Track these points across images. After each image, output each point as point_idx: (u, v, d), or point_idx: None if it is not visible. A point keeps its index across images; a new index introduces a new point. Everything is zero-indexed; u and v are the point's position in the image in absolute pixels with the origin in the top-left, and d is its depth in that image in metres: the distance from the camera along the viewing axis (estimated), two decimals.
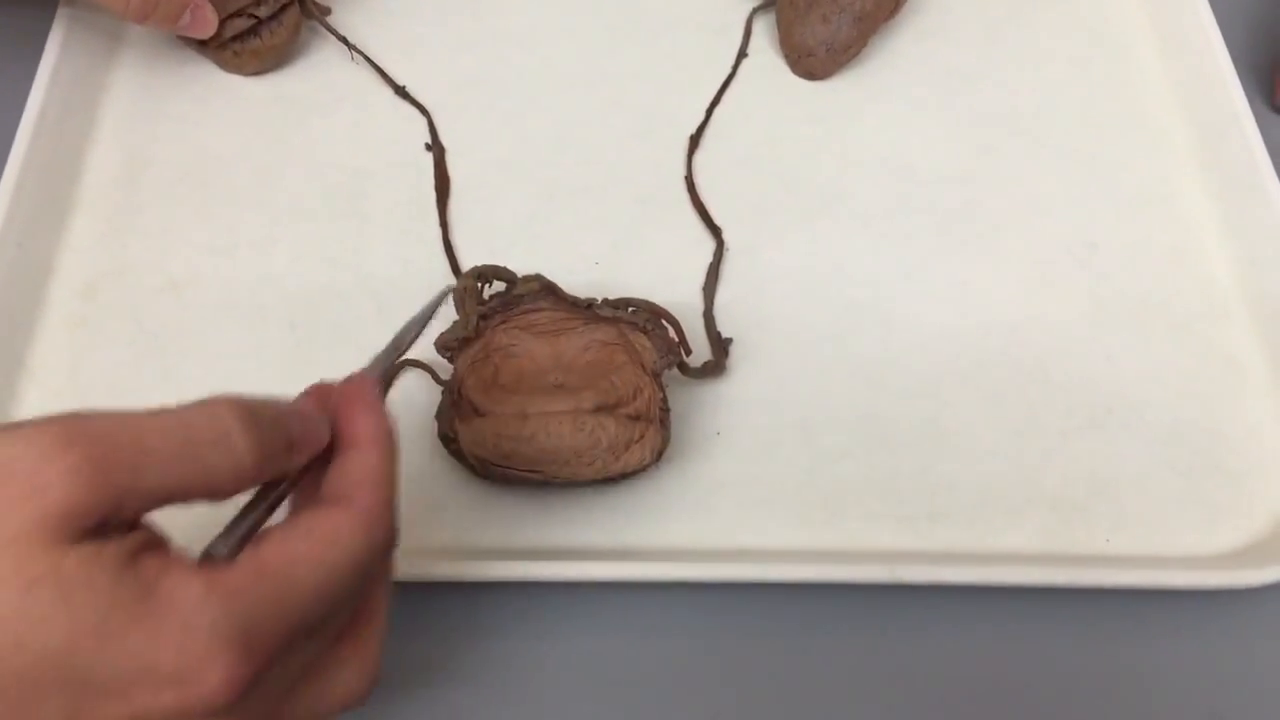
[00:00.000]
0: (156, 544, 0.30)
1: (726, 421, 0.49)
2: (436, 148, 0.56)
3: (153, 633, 0.27)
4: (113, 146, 0.55)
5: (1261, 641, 0.46)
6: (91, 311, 0.51)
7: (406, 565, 0.43)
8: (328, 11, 0.59)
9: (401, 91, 0.58)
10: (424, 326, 0.41)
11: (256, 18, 0.56)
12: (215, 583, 0.28)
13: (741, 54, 0.60)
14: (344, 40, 0.59)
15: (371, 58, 0.59)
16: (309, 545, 0.31)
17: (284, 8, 0.57)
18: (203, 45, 0.57)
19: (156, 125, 0.56)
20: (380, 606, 0.35)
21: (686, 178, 0.56)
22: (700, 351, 0.50)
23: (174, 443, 0.29)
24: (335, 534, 0.31)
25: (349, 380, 0.37)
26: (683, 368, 0.48)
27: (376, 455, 0.34)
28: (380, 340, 0.49)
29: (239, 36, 0.56)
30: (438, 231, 0.53)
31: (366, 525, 0.32)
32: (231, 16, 0.56)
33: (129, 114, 0.57)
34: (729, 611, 0.45)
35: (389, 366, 0.41)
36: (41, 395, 0.49)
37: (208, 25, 0.55)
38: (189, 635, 0.27)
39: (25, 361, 0.49)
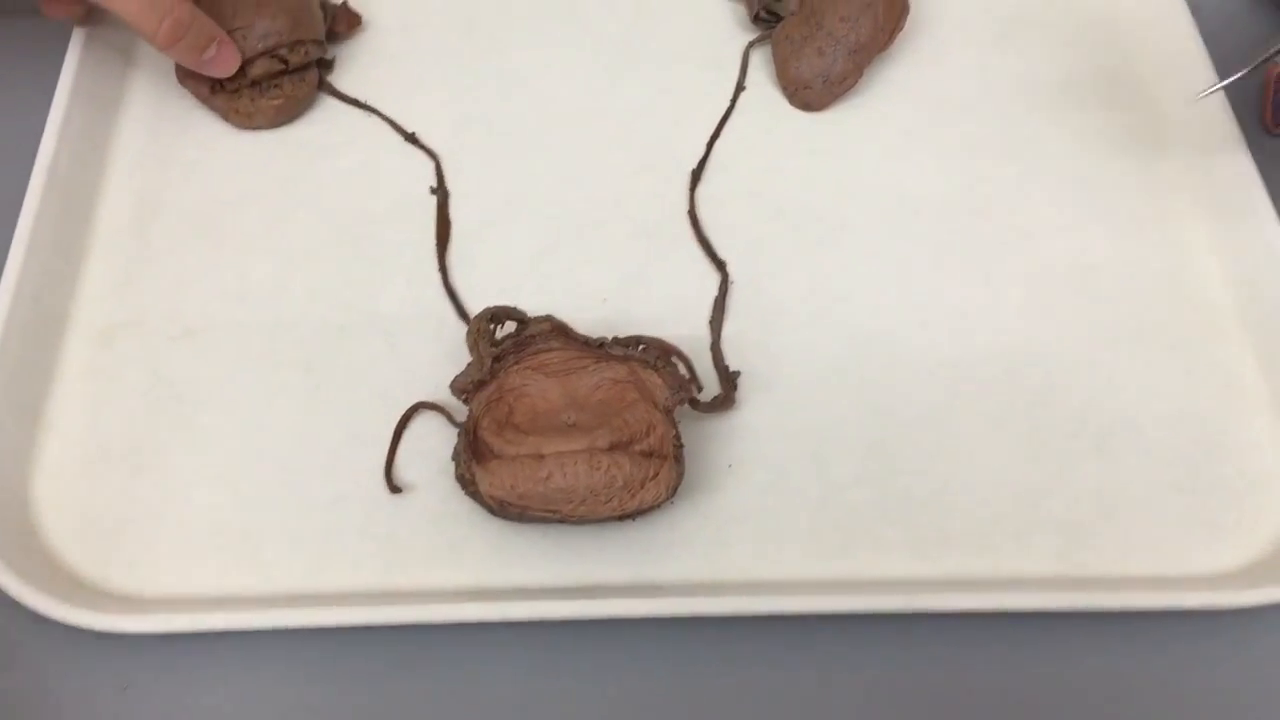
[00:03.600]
0: None
1: (738, 454, 0.50)
2: (441, 192, 0.57)
3: None
4: (123, 195, 0.56)
5: (1268, 659, 0.47)
6: (108, 361, 0.51)
7: (430, 610, 0.44)
8: (330, 69, 0.60)
9: (411, 138, 0.58)
10: None
11: (285, 62, 0.57)
12: None
13: (739, 87, 0.61)
14: (355, 102, 0.59)
15: (378, 104, 0.59)
16: None
17: (307, 66, 0.58)
18: (214, 94, 0.58)
19: (166, 173, 0.57)
20: None
21: (690, 212, 0.57)
22: (709, 385, 0.51)
23: None
24: None
25: None
26: (694, 403, 0.49)
27: None
28: (393, 382, 0.50)
29: (256, 83, 0.57)
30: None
31: None
32: (260, 55, 0.56)
33: (138, 162, 0.57)
34: (749, 642, 0.46)
35: None
36: (61, 445, 0.49)
37: (230, 64, 0.56)
38: None
39: (43, 412, 0.50)
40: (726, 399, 0.50)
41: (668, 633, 0.46)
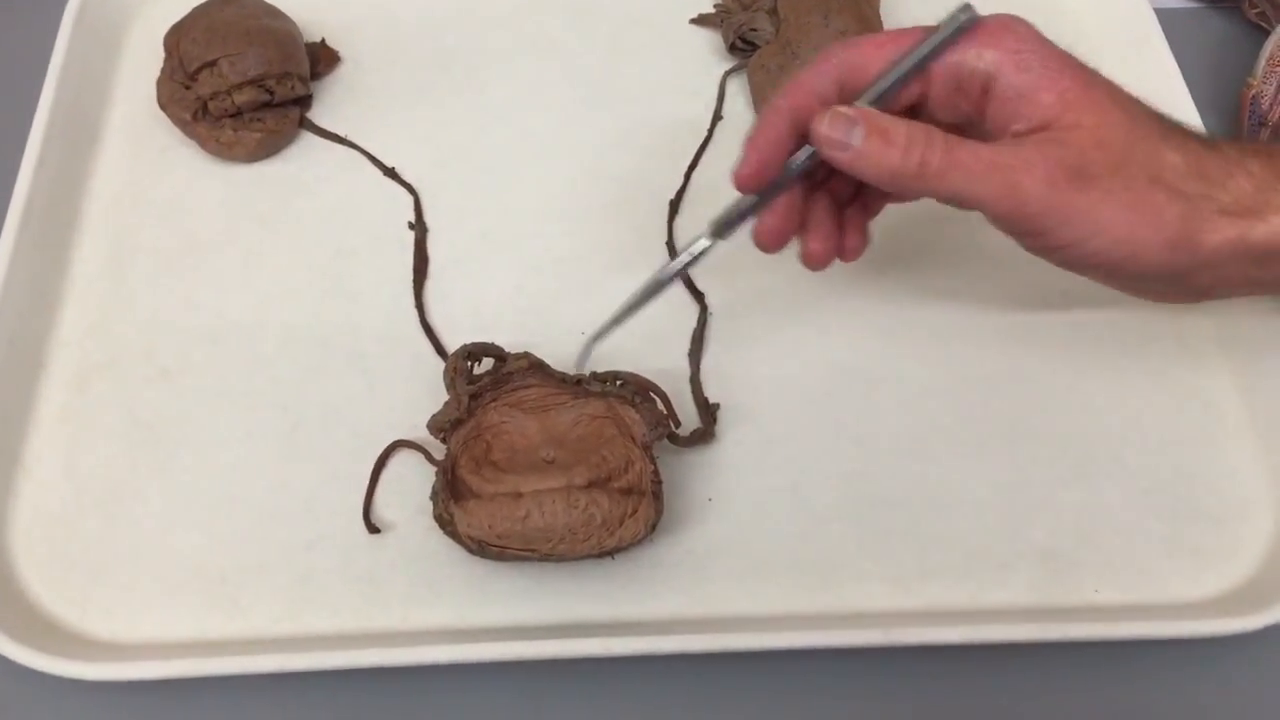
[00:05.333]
0: None
1: (718, 487, 0.49)
2: (419, 228, 0.57)
3: None
4: (99, 236, 0.56)
5: (1249, 687, 0.47)
6: (84, 404, 0.51)
7: (410, 652, 0.43)
8: (309, 106, 0.61)
9: (390, 173, 0.58)
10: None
11: (271, 94, 0.57)
12: None
13: (716, 116, 0.61)
14: (336, 137, 0.60)
15: (356, 140, 0.59)
16: None
17: (290, 101, 0.58)
18: (195, 121, 0.58)
19: (142, 212, 0.57)
20: None
21: (668, 243, 0.57)
22: (689, 417, 0.51)
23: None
24: None
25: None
26: (672, 438, 0.49)
27: None
28: (371, 420, 0.50)
29: (240, 113, 0.57)
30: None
31: None
32: (248, 83, 0.57)
33: (114, 203, 0.57)
34: (731, 677, 0.46)
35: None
36: (36, 489, 0.49)
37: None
38: None
39: (19, 457, 0.50)
40: (706, 432, 0.50)
41: (649, 669, 0.46)
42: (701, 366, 0.53)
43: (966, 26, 0.42)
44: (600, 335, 0.47)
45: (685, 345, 0.53)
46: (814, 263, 0.47)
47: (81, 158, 0.58)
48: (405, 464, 0.50)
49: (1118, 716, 0.46)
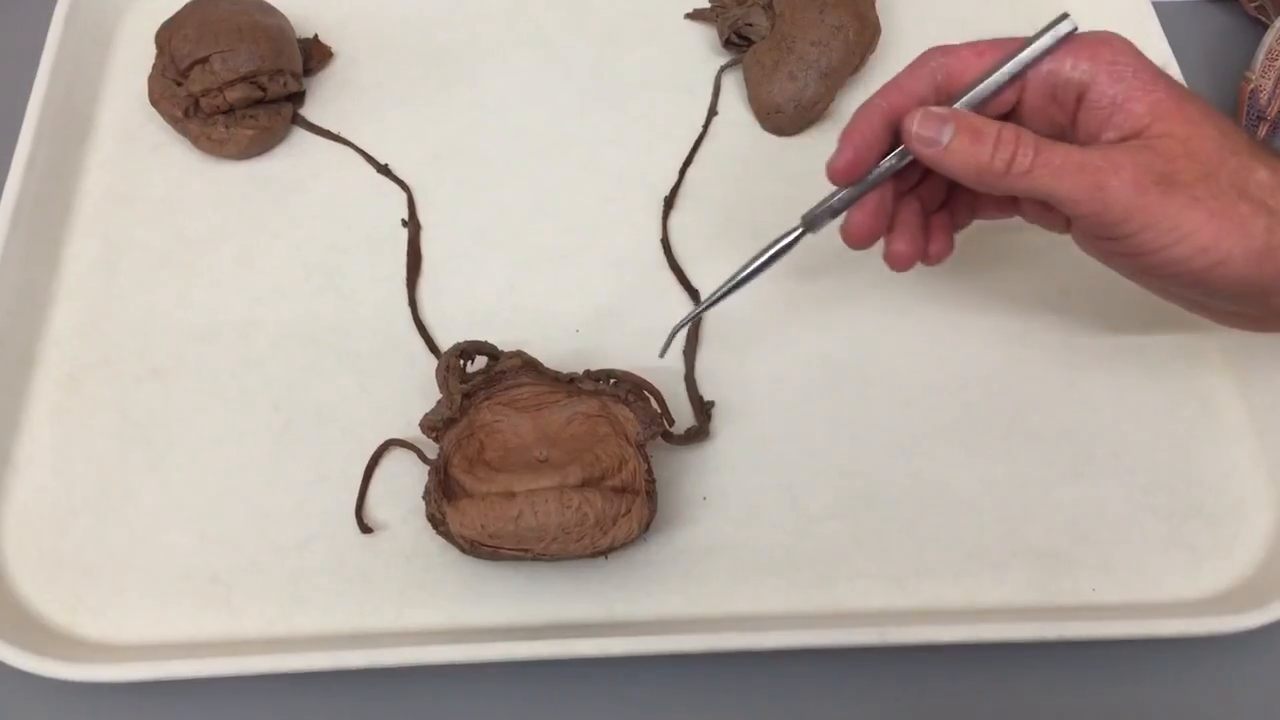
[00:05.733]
0: None
1: (713, 485, 0.49)
2: (412, 225, 0.56)
3: None
4: (91, 234, 0.56)
5: (1247, 686, 0.46)
6: (75, 403, 0.51)
7: (403, 653, 0.43)
8: (302, 102, 0.60)
9: (384, 170, 0.58)
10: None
11: (264, 90, 0.57)
12: None
13: (711, 112, 0.61)
14: (329, 134, 0.59)
15: (349, 136, 0.59)
16: None
17: (283, 98, 0.58)
18: (187, 118, 0.57)
19: (134, 210, 0.57)
20: None
21: (663, 240, 0.56)
22: (684, 415, 0.50)
23: None
24: None
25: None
26: (666, 436, 0.48)
27: None
28: (363, 419, 0.50)
29: (232, 110, 0.57)
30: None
31: None
32: (241, 80, 0.56)
33: (105, 200, 0.57)
34: (725, 677, 0.46)
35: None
36: (26, 489, 0.49)
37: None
38: None
39: (10, 456, 0.50)
40: (701, 430, 0.50)
41: (644, 669, 0.46)
42: (696, 364, 0.52)
43: (1067, 36, 0.42)
44: (683, 324, 0.49)
45: (681, 342, 0.53)
46: (898, 263, 0.47)
47: (73, 155, 0.58)
48: (398, 463, 0.49)
49: (1115, 716, 0.46)
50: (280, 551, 0.47)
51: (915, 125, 0.42)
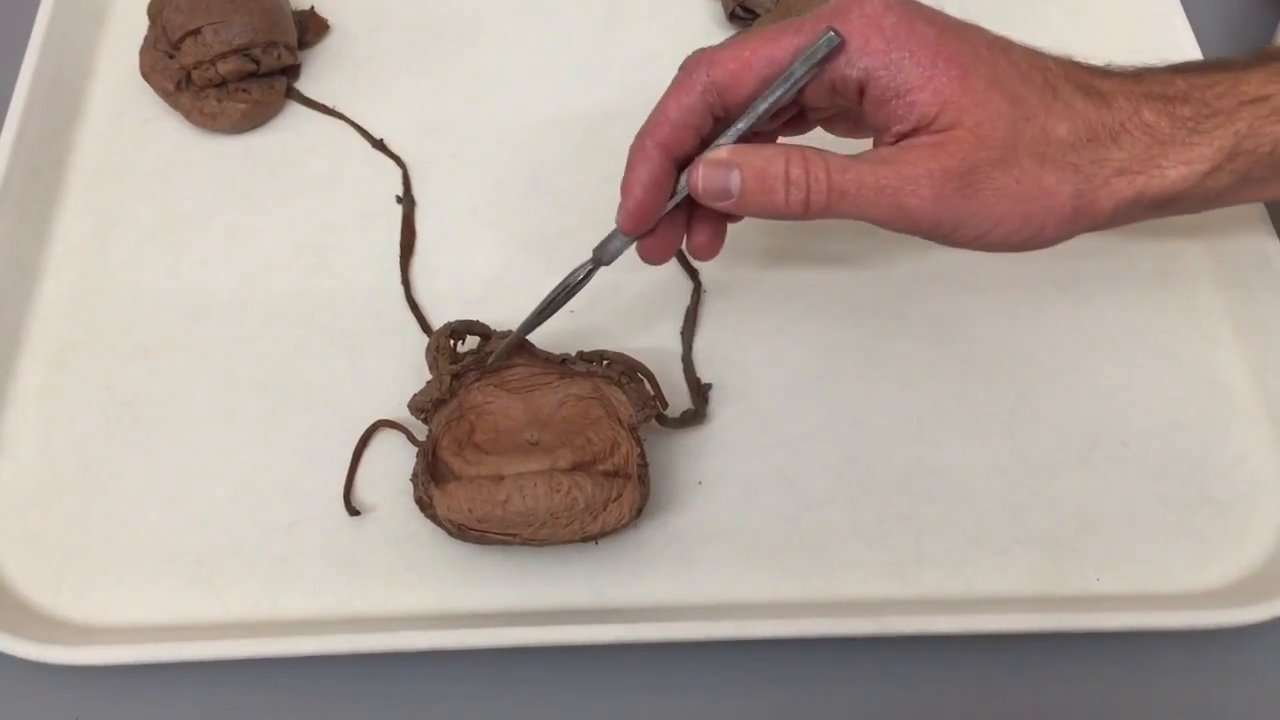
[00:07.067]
0: None
1: (708, 470, 0.48)
2: (407, 201, 0.55)
3: None
4: (80, 210, 0.55)
5: (1256, 680, 0.45)
6: (62, 381, 0.50)
7: (389, 638, 0.42)
8: (296, 76, 0.59)
9: (379, 145, 0.57)
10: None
11: (257, 63, 0.56)
12: None
13: None
14: (323, 107, 0.58)
15: (344, 110, 0.58)
16: None
17: (277, 71, 0.57)
18: (179, 91, 0.56)
19: (124, 185, 0.56)
20: None
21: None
22: (680, 397, 0.49)
23: None
24: None
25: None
26: (661, 419, 0.47)
27: None
28: (354, 399, 0.49)
29: (225, 83, 0.56)
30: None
31: None
32: (233, 53, 0.55)
33: (96, 175, 0.56)
34: (717, 665, 0.45)
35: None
36: (12, 468, 0.48)
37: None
38: None
39: None
40: (697, 413, 0.49)
41: (634, 656, 0.45)
42: (694, 345, 0.51)
43: (835, 48, 0.39)
44: (487, 359, 0.46)
45: (676, 324, 0.52)
46: (701, 254, 0.46)
47: (63, 129, 0.57)
48: (388, 445, 0.48)
49: (1120, 710, 0.44)
50: (267, 533, 0.47)
51: (700, 181, 0.41)
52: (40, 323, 0.52)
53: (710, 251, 0.45)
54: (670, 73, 0.59)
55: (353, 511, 0.47)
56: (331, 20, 0.61)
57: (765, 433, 0.49)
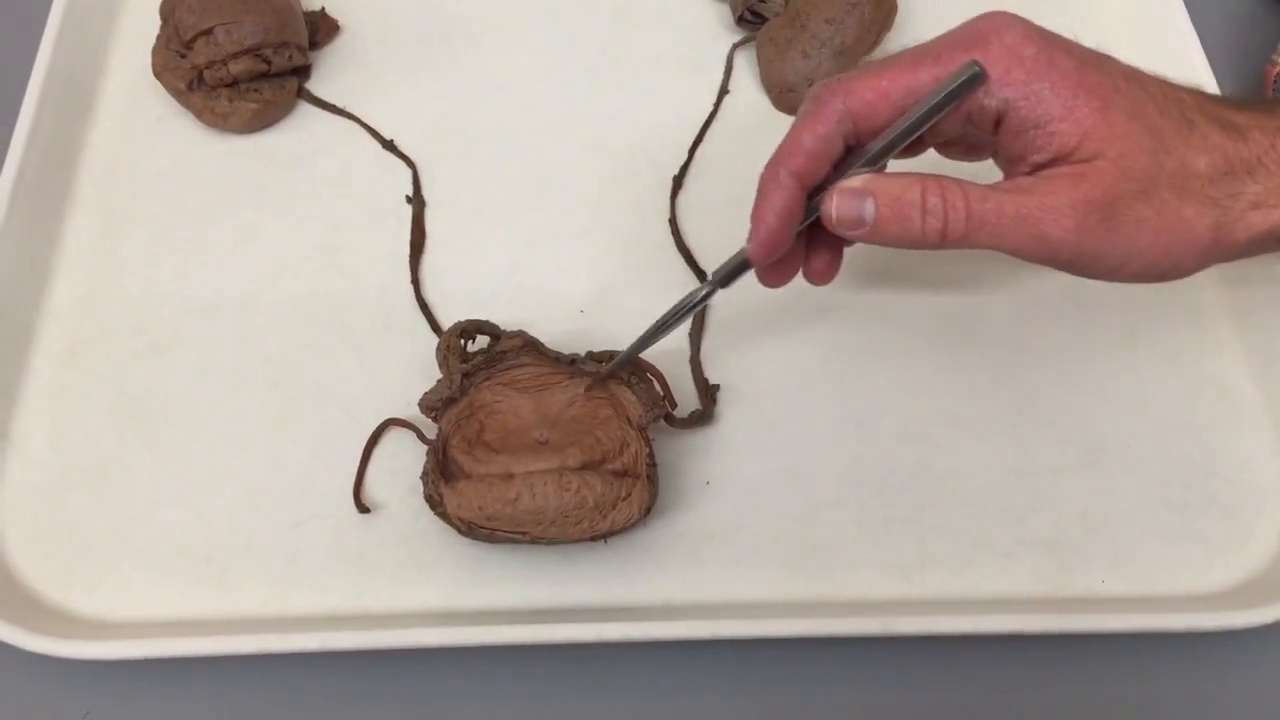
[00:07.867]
0: None
1: (716, 470, 0.48)
2: (417, 201, 0.55)
3: None
4: (92, 208, 0.55)
5: (1261, 682, 0.45)
6: (73, 378, 0.50)
7: (398, 635, 0.43)
8: (307, 76, 0.59)
9: (389, 145, 0.57)
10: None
11: (269, 64, 0.56)
12: None
13: (723, 90, 0.60)
14: (333, 108, 0.58)
15: (354, 110, 0.58)
16: None
17: (288, 72, 0.57)
18: (190, 90, 0.56)
19: (136, 183, 0.56)
20: None
21: (670, 220, 0.55)
22: (688, 398, 0.50)
23: None
24: None
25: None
26: (669, 419, 0.48)
27: None
28: (363, 397, 0.49)
29: (236, 83, 0.56)
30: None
31: None
32: (245, 53, 0.55)
33: (107, 173, 0.56)
34: (725, 664, 0.45)
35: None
36: (23, 464, 0.48)
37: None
38: None
39: (7, 431, 0.49)
40: (705, 414, 0.49)
41: (641, 654, 0.45)
42: (702, 347, 0.51)
43: (977, 81, 0.39)
44: (606, 376, 0.46)
45: (685, 325, 0.52)
46: (818, 279, 0.46)
47: (75, 127, 0.57)
48: (398, 443, 0.49)
49: (1124, 711, 0.45)
50: (276, 530, 0.47)
51: (835, 210, 0.41)
52: (51, 320, 0.52)
53: (828, 276, 0.45)
54: (676, 74, 0.60)
55: (362, 509, 0.47)
56: (342, 21, 0.61)
57: (772, 434, 0.49)
